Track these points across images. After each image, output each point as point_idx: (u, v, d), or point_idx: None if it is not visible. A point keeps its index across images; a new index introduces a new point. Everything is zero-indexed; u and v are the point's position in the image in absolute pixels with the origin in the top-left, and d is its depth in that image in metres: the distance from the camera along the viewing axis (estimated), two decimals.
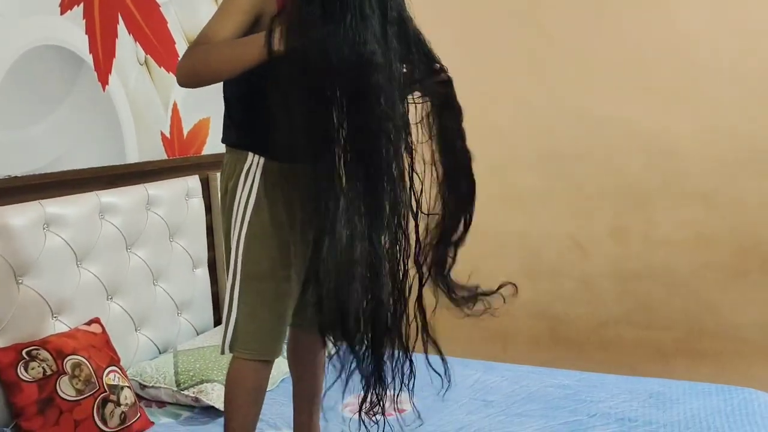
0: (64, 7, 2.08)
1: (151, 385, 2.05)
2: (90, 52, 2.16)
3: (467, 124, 2.95)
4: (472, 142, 2.96)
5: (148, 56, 2.37)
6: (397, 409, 2.10)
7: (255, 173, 1.57)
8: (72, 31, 2.11)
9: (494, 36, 2.88)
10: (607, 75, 2.75)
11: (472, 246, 2.99)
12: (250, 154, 1.58)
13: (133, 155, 2.33)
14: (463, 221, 1.76)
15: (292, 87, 1.42)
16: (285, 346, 1.78)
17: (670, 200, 2.72)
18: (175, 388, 2.03)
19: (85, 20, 2.14)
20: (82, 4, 2.13)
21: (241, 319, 1.58)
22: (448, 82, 1.68)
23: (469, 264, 2.99)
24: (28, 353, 1.74)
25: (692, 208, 2.70)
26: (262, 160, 1.57)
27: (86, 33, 2.14)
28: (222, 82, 1.59)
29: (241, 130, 1.61)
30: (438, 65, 1.65)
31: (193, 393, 2.02)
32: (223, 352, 1.61)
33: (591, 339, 2.87)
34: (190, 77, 1.49)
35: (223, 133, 1.66)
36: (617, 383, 2.25)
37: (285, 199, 1.58)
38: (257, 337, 1.59)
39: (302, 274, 1.57)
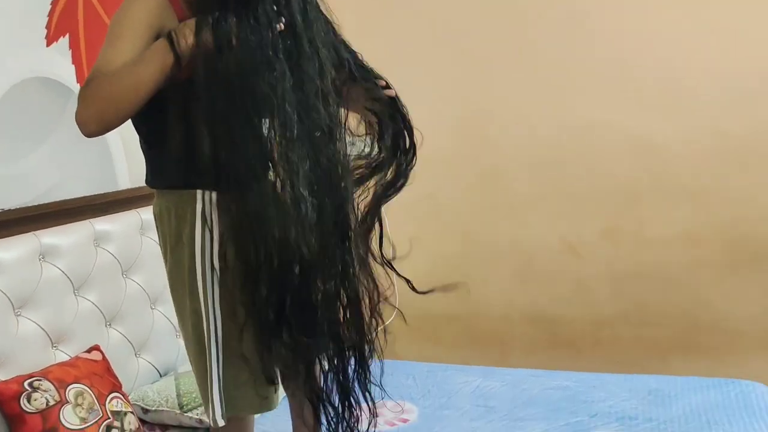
0: (50, 39, 2.10)
1: (153, 408, 2.05)
2: (77, 82, 2.18)
3: (455, 133, 2.99)
4: (462, 152, 3.01)
5: None
6: (401, 419, 2.12)
7: (211, 213, 1.36)
8: (59, 63, 2.13)
9: (478, 44, 2.92)
10: (590, 80, 2.79)
11: (464, 253, 3.04)
12: (199, 193, 1.37)
13: (124, 182, 2.35)
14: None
15: (214, 97, 1.27)
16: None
17: (658, 199, 2.76)
18: (178, 411, 2.04)
19: (71, 50, 2.16)
20: (68, 35, 2.15)
21: (229, 380, 1.42)
22: (395, 99, 1.55)
23: (461, 271, 3.04)
24: (30, 384, 1.74)
25: (681, 206, 2.74)
26: (214, 196, 1.37)
27: (73, 63, 2.17)
28: (133, 122, 1.39)
29: (179, 166, 1.36)
30: (383, 81, 1.53)
31: (197, 414, 2.02)
32: (215, 424, 1.42)
33: (588, 340, 2.89)
34: (98, 122, 1.26)
35: (152, 177, 1.45)
36: (616, 382, 2.27)
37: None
38: (250, 391, 1.44)
39: None
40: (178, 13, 1.35)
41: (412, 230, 3.10)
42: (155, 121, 1.37)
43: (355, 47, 1.55)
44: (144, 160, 1.49)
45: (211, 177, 1.34)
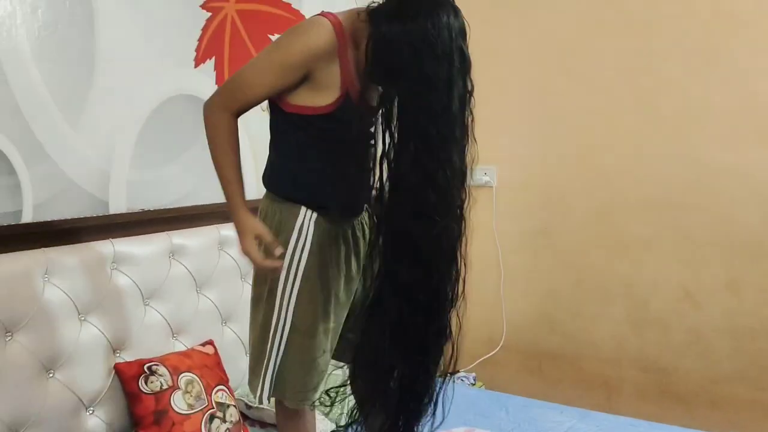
0: (198, 61, 2.34)
1: (255, 406, 2.20)
2: None
3: (570, 167, 2.94)
4: (577, 187, 2.95)
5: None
6: None
7: (308, 229, 1.53)
8: (204, 82, 2.36)
9: (606, 80, 2.88)
10: (723, 123, 2.66)
11: (576, 291, 2.97)
12: (303, 209, 1.54)
13: (251, 192, 2.53)
14: None
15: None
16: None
17: None
18: None
19: (215, 72, 2.40)
20: (213, 58, 2.39)
21: (285, 369, 1.58)
22: None
23: (572, 309, 2.97)
24: (149, 368, 1.94)
25: None
26: (315, 215, 1.53)
27: (216, 84, 2.39)
28: (270, 128, 1.59)
29: (295, 182, 1.55)
30: None
31: None
32: (260, 402, 1.62)
33: (700, 396, 2.73)
34: (206, 130, 1.54)
35: (269, 181, 1.63)
36: None
37: (334, 255, 1.56)
38: (300, 385, 1.60)
39: (341, 321, 1.60)
40: (342, 69, 1.45)
41: (525, 264, 3.09)
42: (290, 138, 1.54)
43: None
44: (267, 160, 1.66)
45: (321, 201, 1.51)
